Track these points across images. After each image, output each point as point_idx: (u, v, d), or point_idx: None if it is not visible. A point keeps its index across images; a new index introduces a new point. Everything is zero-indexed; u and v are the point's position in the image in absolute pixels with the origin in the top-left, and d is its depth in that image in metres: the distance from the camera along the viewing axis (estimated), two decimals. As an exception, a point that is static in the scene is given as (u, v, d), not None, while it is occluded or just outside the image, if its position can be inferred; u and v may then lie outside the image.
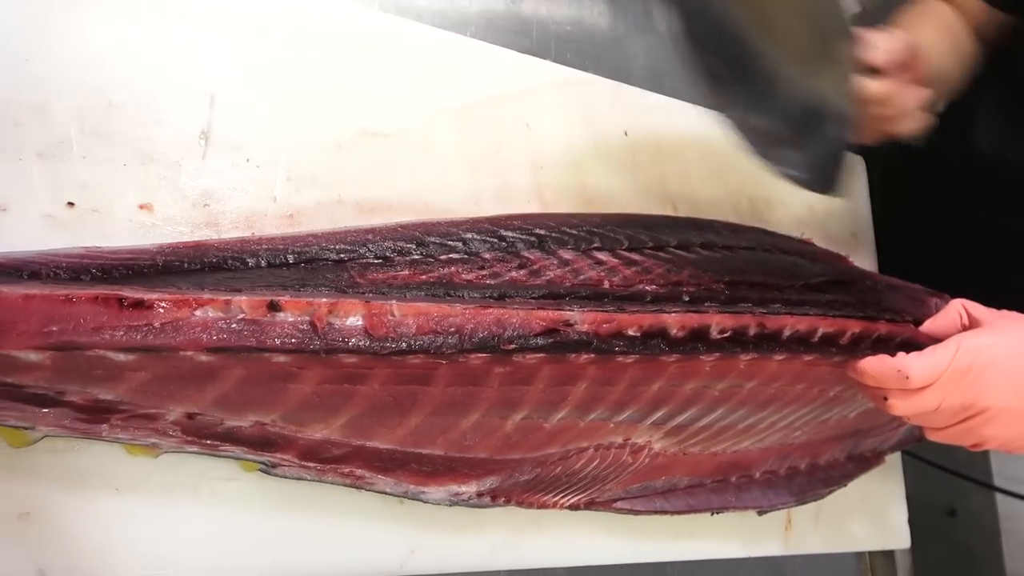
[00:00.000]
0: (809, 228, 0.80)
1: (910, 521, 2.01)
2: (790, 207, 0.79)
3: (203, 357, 0.40)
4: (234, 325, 0.40)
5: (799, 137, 0.58)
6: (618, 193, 0.67)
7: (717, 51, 0.53)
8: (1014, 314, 0.57)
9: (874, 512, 0.79)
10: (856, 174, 0.88)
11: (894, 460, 0.82)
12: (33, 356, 0.37)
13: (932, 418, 0.54)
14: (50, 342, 0.37)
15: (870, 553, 0.83)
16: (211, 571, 0.47)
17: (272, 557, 0.48)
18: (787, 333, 0.54)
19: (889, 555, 0.84)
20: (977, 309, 0.58)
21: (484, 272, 0.51)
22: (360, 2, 0.64)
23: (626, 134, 0.70)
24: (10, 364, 0.37)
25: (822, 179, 0.59)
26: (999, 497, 1.76)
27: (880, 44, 0.60)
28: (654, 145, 0.71)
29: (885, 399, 0.54)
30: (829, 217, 0.83)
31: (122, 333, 0.38)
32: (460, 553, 0.55)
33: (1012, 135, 0.73)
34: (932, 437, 0.58)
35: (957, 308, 0.59)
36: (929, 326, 0.60)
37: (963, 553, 1.81)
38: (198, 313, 0.39)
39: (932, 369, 0.52)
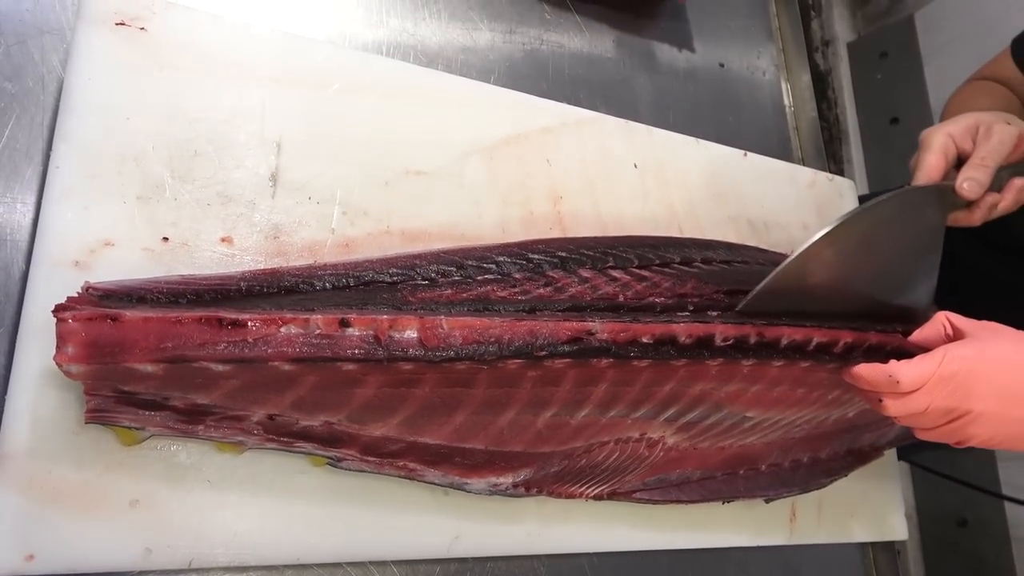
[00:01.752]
0: (804, 247, 0.86)
1: (921, 531, 2.04)
2: (786, 228, 0.86)
3: (286, 367, 0.46)
4: (312, 339, 0.46)
5: None
6: (629, 219, 0.74)
7: None
8: (993, 324, 0.62)
9: (873, 507, 0.85)
10: (848, 198, 0.95)
11: (891, 458, 0.88)
12: (150, 368, 0.44)
13: (921, 419, 0.59)
14: (165, 356, 0.43)
15: (873, 547, 0.88)
16: (284, 551, 0.53)
17: (335, 541, 0.54)
18: (784, 342, 0.59)
19: (890, 548, 0.89)
20: (960, 320, 0.62)
21: (516, 290, 0.58)
22: (397, 57, 0.72)
23: (635, 166, 0.76)
24: (129, 374, 0.44)
25: None
26: (1008, 506, 1.80)
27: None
28: (661, 175, 0.78)
29: (880, 401, 0.59)
30: (823, 236, 0.89)
31: (222, 347, 0.44)
32: (499, 540, 0.60)
33: None
34: (921, 436, 0.62)
35: (942, 320, 0.63)
36: (916, 336, 0.64)
37: (974, 562, 1.84)
38: (283, 330, 0.45)
39: (920, 375, 0.56)
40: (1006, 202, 0.70)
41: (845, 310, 0.65)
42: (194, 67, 0.56)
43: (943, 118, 0.86)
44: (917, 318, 0.68)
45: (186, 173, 0.55)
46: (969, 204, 0.69)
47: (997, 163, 0.68)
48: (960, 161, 0.70)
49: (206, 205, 0.55)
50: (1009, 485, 1.78)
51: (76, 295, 0.45)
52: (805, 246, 0.61)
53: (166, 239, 0.53)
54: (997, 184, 0.69)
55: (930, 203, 0.68)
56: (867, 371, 0.59)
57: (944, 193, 0.68)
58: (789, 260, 0.61)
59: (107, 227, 0.51)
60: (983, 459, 1.78)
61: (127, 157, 0.53)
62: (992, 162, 0.68)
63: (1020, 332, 0.62)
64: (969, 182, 0.67)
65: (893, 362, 0.58)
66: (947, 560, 1.91)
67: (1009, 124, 0.69)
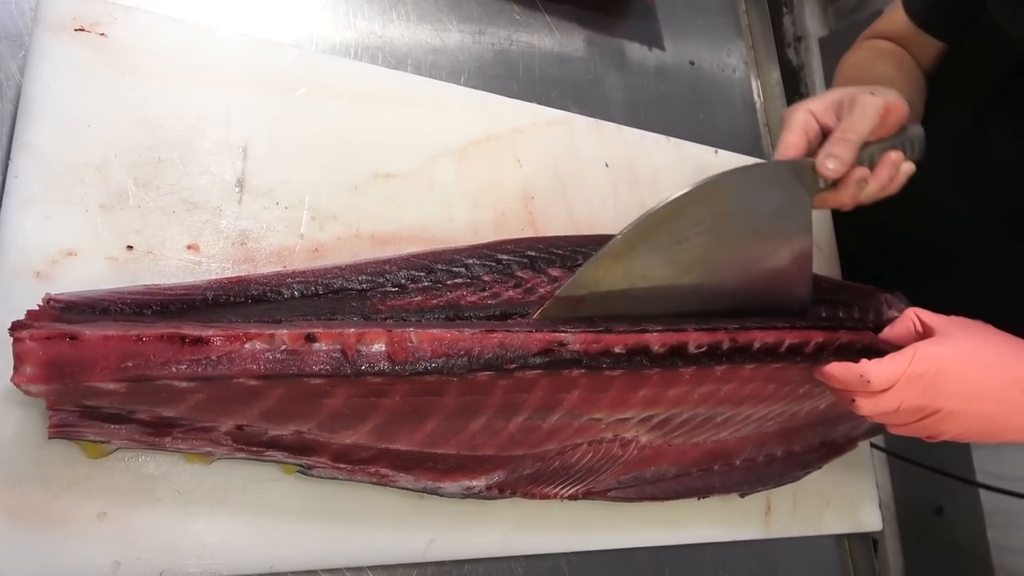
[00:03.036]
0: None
1: (898, 520, 2.06)
2: (758, 224, 0.87)
3: (252, 382, 0.45)
4: (278, 355, 0.45)
5: None
6: (601, 218, 0.74)
7: None
8: (962, 320, 0.62)
9: (847, 499, 0.86)
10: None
11: (864, 450, 0.89)
12: (112, 386, 0.43)
13: (893, 417, 0.60)
14: (126, 376, 0.42)
15: (848, 538, 0.89)
16: (257, 560, 0.52)
17: (309, 548, 0.54)
18: (757, 345, 0.59)
19: (866, 539, 0.90)
20: (929, 316, 0.63)
21: (485, 294, 0.58)
22: (365, 59, 0.71)
23: (607, 165, 0.77)
24: (92, 391, 0.43)
25: None
26: (983, 494, 1.82)
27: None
28: (632, 174, 0.78)
29: (852, 401, 0.60)
30: (794, 232, 0.90)
31: (185, 366, 0.43)
32: (475, 542, 0.60)
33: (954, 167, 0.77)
34: (893, 431, 0.64)
35: (911, 317, 0.63)
36: (887, 334, 0.65)
37: (951, 549, 1.87)
38: (247, 346, 0.45)
39: (891, 374, 0.56)
40: (879, 180, 0.62)
41: (703, 308, 0.60)
42: (157, 72, 0.56)
43: (835, 85, 0.81)
44: (796, 310, 0.65)
45: (150, 180, 0.54)
46: (836, 184, 0.62)
47: (861, 137, 0.61)
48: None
49: (171, 212, 0.54)
50: (984, 473, 1.80)
51: (36, 308, 0.45)
52: (625, 231, 0.54)
53: (130, 247, 0.52)
54: (868, 161, 0.62)
55: (789, 182, 0.61)
56: (838, 371, 0.59)
57: (804, 170, 0.61)
58: (603, 250, 0.54)
59: (69, 236, 0.50)
60: (958, 448, 1.80)
61: (89, 165, 0.52)
62: (854, 136, 0.60)
63: (989, 327, 0.62)
64: (831, 159, 0.60)
65: (864, 361, 0.58)
66: (925, 548, 1.93)
67: (873, 95, 0.62)
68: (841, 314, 0.72)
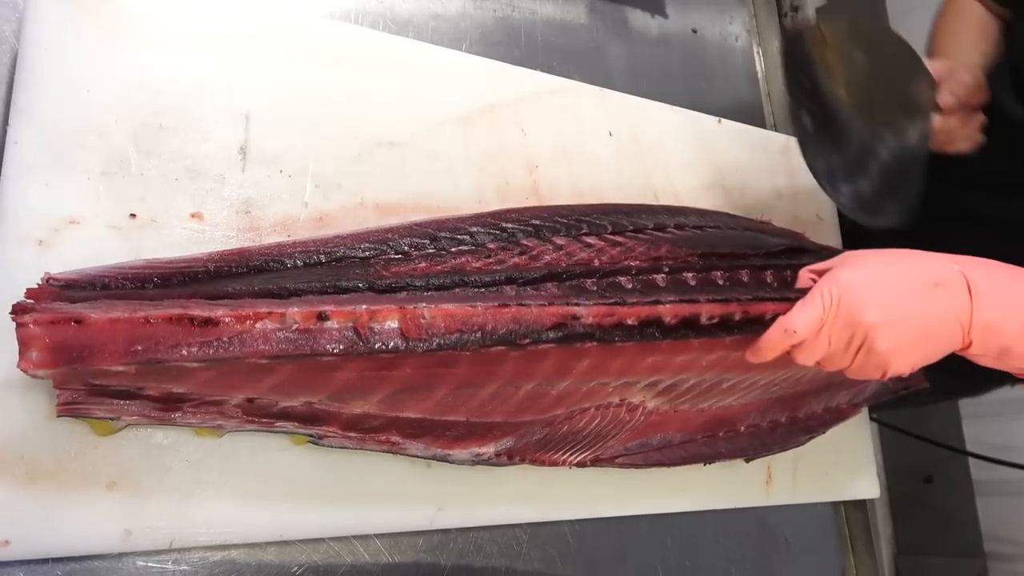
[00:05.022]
0: (779, 212, 0.87)
1: (889, 488, 2.08)
2: (760, 194, 0.87)
3: (263, 361, 0.44)
4: (289, 335, 0.44)
5: (853, 176, 0.69)
6: (605, 187, 0.74)
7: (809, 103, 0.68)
8: (847, 252, 0.63)
9: (846, 467, 0.87)
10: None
11: (863, 419, 0.89)
12: (120, 368, 0.42)
13: (834, 359, 0.58)
14: (136, 359, 0.41)
15: (845, 505, 0.90)
16: (266, 528, 0.52)
17: (317, 516, 0.54)
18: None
19: (861, 506, 0.91)
20: (818, 264, 0.64)
21: (491, 260, 0.57)
22: (366, 25, 0.70)
23: (610, 134, 0.76)
24: (99, 372, 0.43)
25: (867, 211, 0.71)
26: (972, 462, 1.85)
27: (952, 89, 0.70)
28: (636, 143, 0.77)
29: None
30: (796, 202, 0.90)
31: (195, 348, 0.42)
32: (481, 510, 0.61)
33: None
34: (850, 376, 0.61)
35: (806, 275, 0.64)
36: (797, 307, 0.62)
37: (940, 517, 1.90)
38: (258, 326, 0.44)
39: (810, 315, 0.56)
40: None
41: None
42: (156, 37, 0.55)
43: (931, 39, 0.90)
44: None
45: (152, 147, 0.53)
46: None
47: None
48: None
49: (174, 180, 0.53)
50: (973, 441, 1.83)
51: (36, 287, 0.44)
52: None
53: (133, 215, 0.52)
54: None
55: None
56: (766, 339, 0.59)
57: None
58: None
59: (71, 205, 0.50)
60: (948, 417, 1.82)
61: (89, 131, 0.51)
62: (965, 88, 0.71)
63: (872, 249, 0.64)
64: (950, 95, 0.70)
65: (781, 317, 0.58)
66: (914, 516, 1.96)
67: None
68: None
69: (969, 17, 0.87)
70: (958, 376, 0.99)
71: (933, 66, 0.72)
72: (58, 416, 0.45)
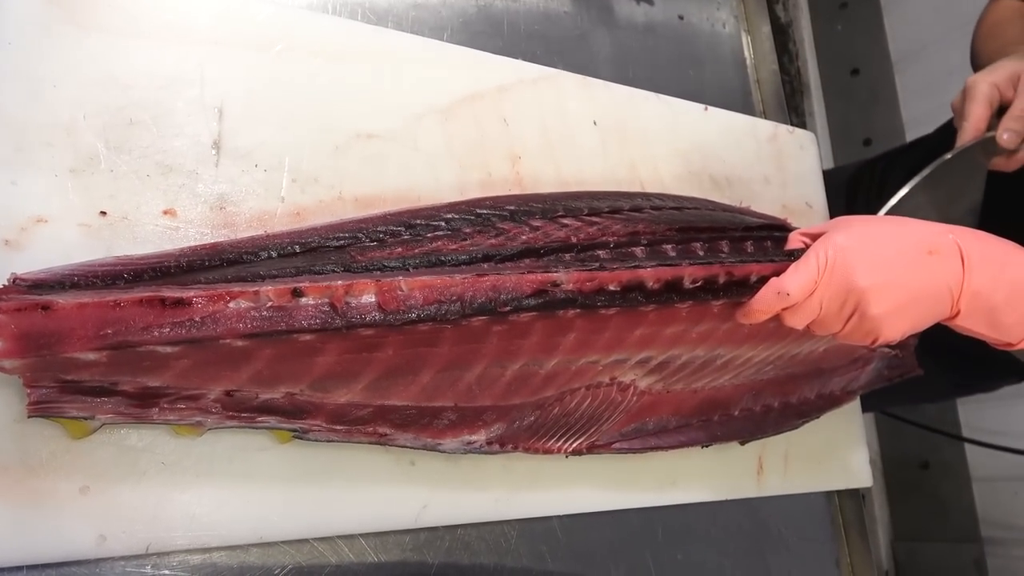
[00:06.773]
0: (766, 200, 0.86)
1: (885, 475, 2.09)
2: (748, 183, 0.85)
3: (239, 343, 0.44)
4: (264, 312, 0.44)
5: None
6: (590, 178, 0.73)
7: None
8: (839, 218, 0.63)
9: (838, 456, 0.86)
10: (809, 150, 0.95)
11: (855, 407, 0.89)
12: (92, 356, 0.41)
13: (826, 323, 0.58)
14: (106, 343, 0.41)
15: (839, 495, 0.90)
16: (247, 530, 0.51)
17: (300, 517, 0.53)
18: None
19: (855, 495, 0.91)
20: (811, 228, 0.64)
21: (467, 243, 0.56)
22: (344, 16, 0.69)
23: (595, 123, 0.75)
24: (71, 363, 0.41)
25: None
26: (968, 448, 1.85)
27: (1009, 126, 0.75)
28: (621, 132, 0.76)
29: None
30: (784, 189, 0.89)
31: (168, 329, 0.42)
32: (467, 507, 0.60)
33: None
34: (841, 341, 0.61)
35: (797, 237, 0.64)
36: (791, 270, 0.61)
37: (937, 503, 1.90)
38: (232, 305, 0.43)
39: (804, 277, 0.56)
40: None
41: None
42: (125, 28, 0.53)
43: (974, 41, 0.92)
44: None
45: (122, 143, 0.52)
46: (1008, 153, 0.76)
47: None
48: (1002, 109, 0.76)
49: (145, 176, 0.52)
50: (969, 427, 1.83)
51: (1, 287, 0.43)
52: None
53: (104, 213, 0.50)
54: None
55: (977, 154, 0.77)
56: (758, 300, 0.58)
57: (988, 143, 0.76)
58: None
59: (39, 203, 0.48)
60: (944, 403, 1.82)
61: (56, 127, 0.50)
62: None
63: (866, 216, 0.65)
64: (1009, 133, 0.74)
65: (774, 280, 0.58)
66: (911, 502, 1.97)
67: None
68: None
69: (1012, 17, 0.88)
70: (969, 369, 0.99)
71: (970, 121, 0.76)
72: (29, 416, 0.43)
